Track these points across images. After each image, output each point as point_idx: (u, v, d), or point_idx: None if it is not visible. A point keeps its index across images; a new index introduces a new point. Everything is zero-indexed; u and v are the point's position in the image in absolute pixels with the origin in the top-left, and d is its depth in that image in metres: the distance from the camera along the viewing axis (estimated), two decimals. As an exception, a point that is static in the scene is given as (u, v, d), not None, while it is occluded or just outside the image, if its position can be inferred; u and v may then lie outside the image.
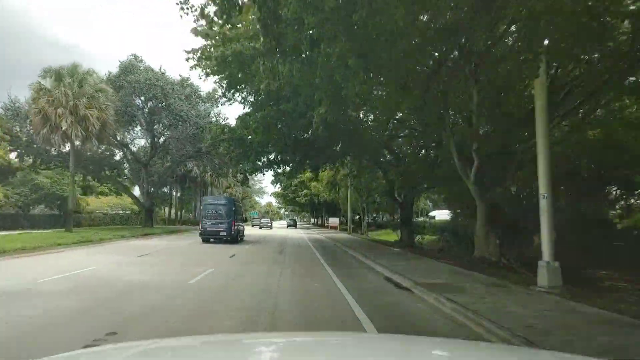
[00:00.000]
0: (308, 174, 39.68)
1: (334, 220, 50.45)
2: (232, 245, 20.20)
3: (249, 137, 16.11)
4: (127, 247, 17.50)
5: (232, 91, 15.70)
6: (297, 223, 67.87)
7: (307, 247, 20.56)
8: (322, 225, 63.51)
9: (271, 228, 49.03)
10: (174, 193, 49.44)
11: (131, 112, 26.41)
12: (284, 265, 12.37)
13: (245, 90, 16.74)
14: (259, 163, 22.14)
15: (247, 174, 27.16)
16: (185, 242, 22.23)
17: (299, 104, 13.30)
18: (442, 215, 31.36)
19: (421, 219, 24.52)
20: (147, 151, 33.56)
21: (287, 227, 58.55)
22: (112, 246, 18.07)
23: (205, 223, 21.42)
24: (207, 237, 21.36)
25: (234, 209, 21.94)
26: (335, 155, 20.46)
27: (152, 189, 32.34)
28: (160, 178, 34.66)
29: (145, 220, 32.19)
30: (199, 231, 22.10)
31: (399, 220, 25.03)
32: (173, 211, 50.81)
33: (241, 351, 1.90)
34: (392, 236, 29.16)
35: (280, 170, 24.79)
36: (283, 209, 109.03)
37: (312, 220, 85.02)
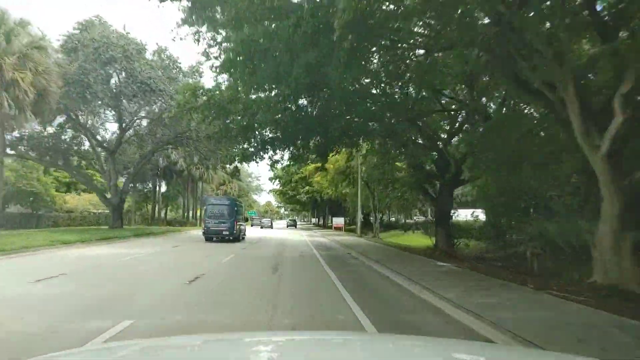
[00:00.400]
0: (310, 167, 34.45)
1: (339, 221, 45.08)
2: (215, 254, 14.64)
3: (220, 77, 10.33)
4: (47, 261, 11.84)
5: (198, 17, 9.84)
6: (298, 223, 67.30)
7: (312, 259, 14.88)
8: (324, 226, 58.24)
9: (271, 227, 50.92)
10: (157, 189, 43.37)
11: (86, 81, 20.12)
12: (278, 306, 6.61)
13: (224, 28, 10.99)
14: (251, 149, 16.75)
15: (237, 162, 21.76)
16: (148, 250, 16.49)
17: (301, 22, 7.65)
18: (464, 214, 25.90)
19: (468, 219, 18.65)
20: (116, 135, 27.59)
21: (287, 227, 58.80)
22: (25, 259, 12.34)
23: (209, 222, 22.10)
24: (210, 236, 21.86)
25: (236, 209, 22.64)
26: (350, 129, 14.80)
27: (124, 182, 26.45)
28: (135, 168, 28.80)
29: (113, 220, 26.33)
30: (202, 230, 22.70)
31: (432, 220, 19.38)
32: (157, 209, 44.90)
33: (242, 350, 1.85)
34: (409, 239, 24.30)
35: (277, 157, 18.76)
36: (283, 208, 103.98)
37: (313, 220, 79.26)
